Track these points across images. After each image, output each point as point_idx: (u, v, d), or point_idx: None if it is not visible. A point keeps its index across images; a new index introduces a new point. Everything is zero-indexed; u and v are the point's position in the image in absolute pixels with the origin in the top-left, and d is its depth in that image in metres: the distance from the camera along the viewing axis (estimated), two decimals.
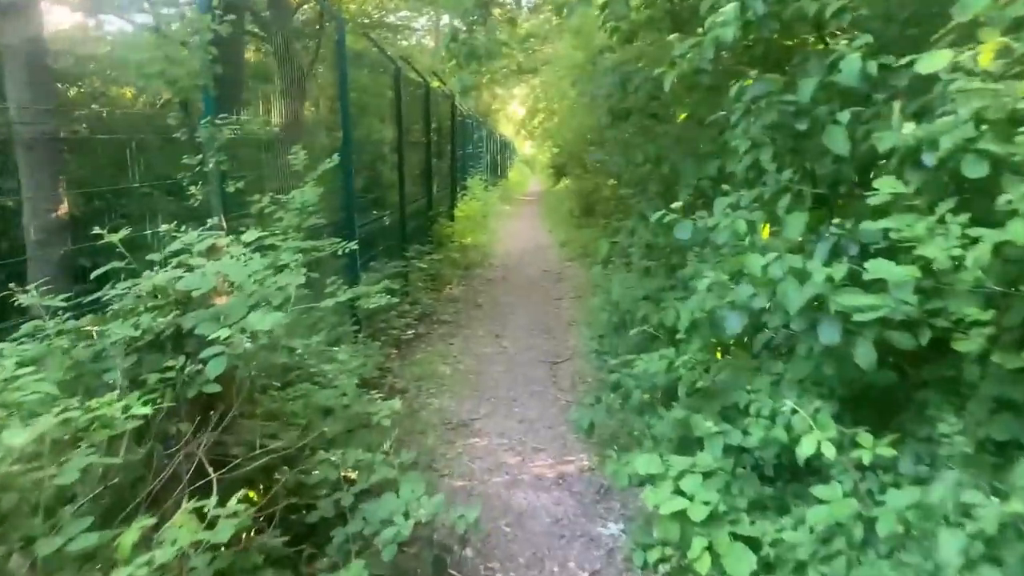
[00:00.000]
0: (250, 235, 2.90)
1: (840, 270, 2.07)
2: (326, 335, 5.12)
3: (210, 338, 2.32)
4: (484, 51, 4.58)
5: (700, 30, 2.91)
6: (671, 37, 2.84)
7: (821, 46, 3.42)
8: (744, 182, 2.87)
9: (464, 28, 4.31)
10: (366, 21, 12.77)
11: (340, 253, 4.25)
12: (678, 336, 3.27)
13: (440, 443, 4.43)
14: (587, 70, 7.80)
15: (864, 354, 2.11)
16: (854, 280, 2.21)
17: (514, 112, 37.57)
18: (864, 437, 2.22)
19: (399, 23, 14.50)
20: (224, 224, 3.42)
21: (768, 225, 2.85)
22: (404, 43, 16.10)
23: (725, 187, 2.76)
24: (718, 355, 3.74)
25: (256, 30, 10.81)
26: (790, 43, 3.15)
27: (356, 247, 4.10)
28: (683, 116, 3.76)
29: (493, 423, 4.80)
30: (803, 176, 2.53)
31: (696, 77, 2.83)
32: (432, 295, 8.44)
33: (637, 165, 4.81)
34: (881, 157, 2.24)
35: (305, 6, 10.95)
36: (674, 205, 2.83)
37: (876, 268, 1.98)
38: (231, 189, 3.42)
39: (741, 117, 2.49)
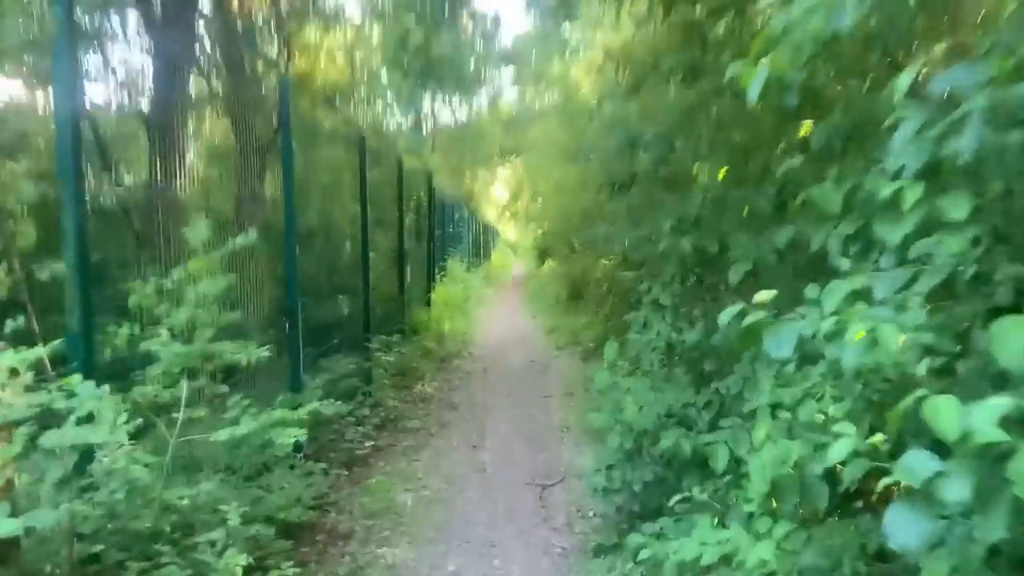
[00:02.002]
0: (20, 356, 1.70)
1: None
2: (246, 464, 3.89)
3: None
4: (446, 65, 3.51)
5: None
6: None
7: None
8: (852, 255, 1.78)
9: (419, 31, 3.23)
10: (333, 94, 12.01)
11: (279, 351, 3.11)
12: (747, 503, 2.09)
13: None
14: (581, 127, 6.88)
15: None
16: None
17: (496, 196, 37.22)
18: None
19: (375, 97, 13.79)
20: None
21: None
22: (384, 121, 15.43)
23: (842, 263, 1.63)
24: (773, 502, 2.56)
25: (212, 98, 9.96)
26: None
27: (268, 353, 2.91)
28: (722, 172, 2.71)
29: None
30: (994, 242, 1.43)
31: (772, 97, 1.78)
32: (399, 394, 7.20)
33: (650, 240, 3.76)
34: None
35: (271, 73, 10.14)
36: (757, 297, 1.67)
37: None
38: (46, 277, 2.27)
39: (915, 136, 1.34)
